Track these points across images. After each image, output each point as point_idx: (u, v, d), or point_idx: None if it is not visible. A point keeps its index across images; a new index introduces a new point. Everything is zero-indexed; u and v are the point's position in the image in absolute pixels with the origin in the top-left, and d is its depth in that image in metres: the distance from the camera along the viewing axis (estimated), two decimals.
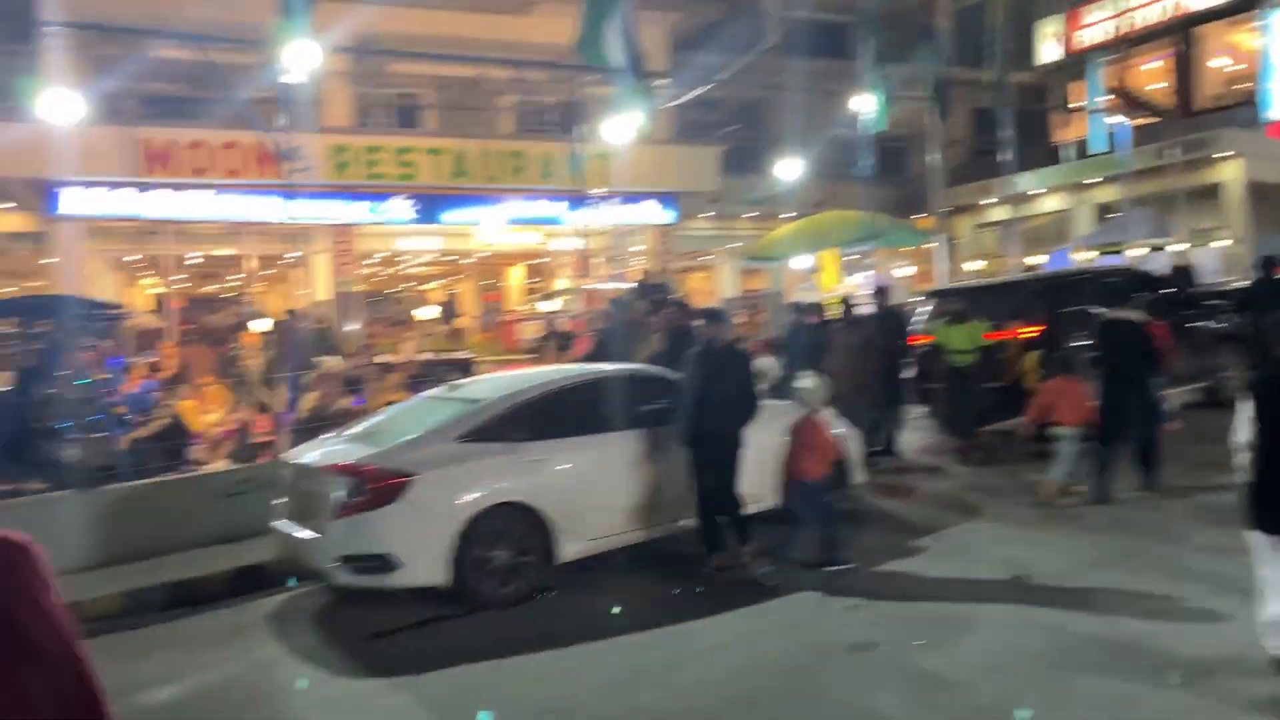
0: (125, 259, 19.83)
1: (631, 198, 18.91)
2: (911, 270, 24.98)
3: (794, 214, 19.84)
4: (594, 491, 7.37)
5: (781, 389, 11.65)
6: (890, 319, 11.94)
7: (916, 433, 12.23)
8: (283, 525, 7.31)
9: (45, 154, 14.29)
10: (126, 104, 17.38)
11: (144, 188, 16.39)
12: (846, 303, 12.29)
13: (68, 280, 16.33)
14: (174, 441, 10.41)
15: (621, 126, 14.42)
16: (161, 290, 21.99)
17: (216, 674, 6.14)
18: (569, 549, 7.19)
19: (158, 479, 9.40)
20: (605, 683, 5.53)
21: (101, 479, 8.84)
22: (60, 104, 12.50)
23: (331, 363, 11.53)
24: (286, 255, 20.00)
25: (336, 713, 5.38)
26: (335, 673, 5.96)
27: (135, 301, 20.47)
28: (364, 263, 20.27)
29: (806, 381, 7.76)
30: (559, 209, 19.12)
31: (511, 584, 6.90)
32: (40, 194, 16.18)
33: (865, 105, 16.92)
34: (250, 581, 7.87)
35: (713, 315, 8.21)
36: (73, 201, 16.20)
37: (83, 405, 9.73)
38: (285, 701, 5.64)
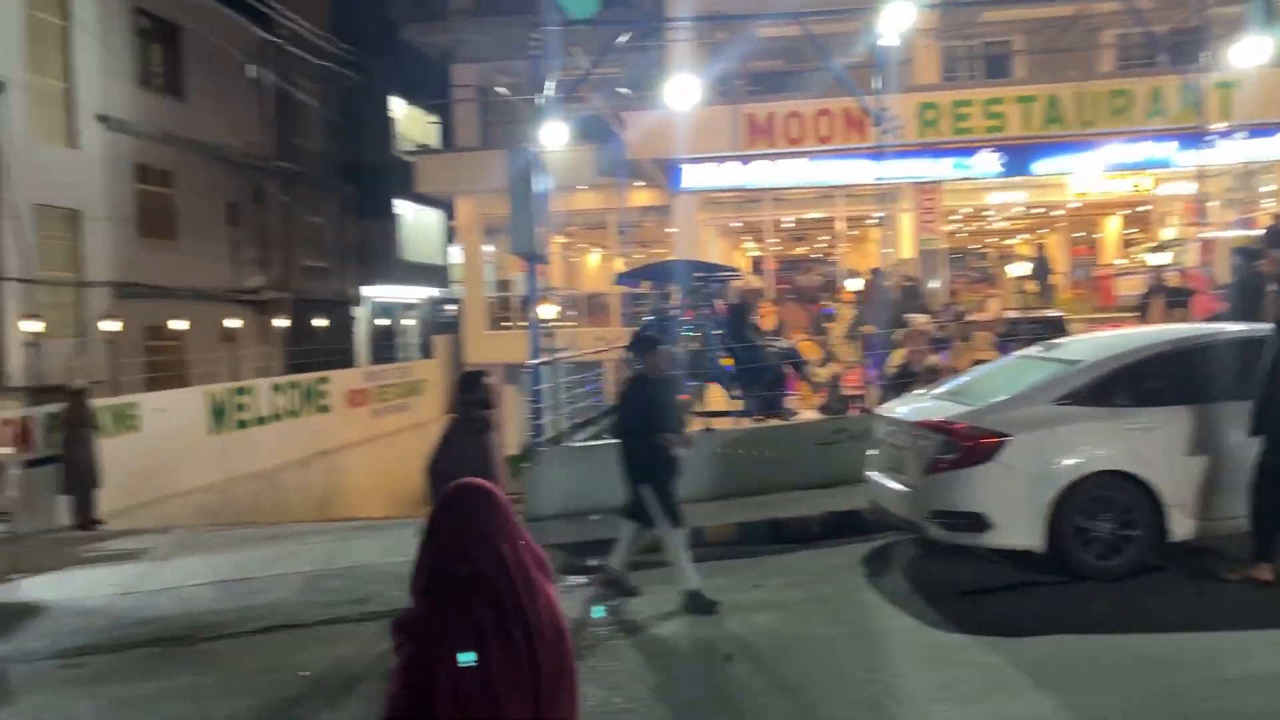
0: (730, 225, 21.97)
1: (1262, 130, 16.30)
2: None
3: None
4: (1213, 466, 6.59)
5: None
6: None
7: None
8: (875, 476, 7.64)
9: (669, 136, 16.34)
10: (733, 84, 19.12)
11: (746, 160, 17.95)
12: None
13: (685, 246, 18.58)
14: (777, 391, 11.39)
15: (1252, 49, 12.46)
16: (758, 253, 24.03)
17: (817, 608, 6.67)
18: (1182, 527, 6.55)
19: (763, 425, 10.38)
20: (1228, 678, 4.99)
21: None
22: (681, 90, 14.13)
23: (919, 320, 11.69)
24: (871, 215, 20.57)
25: (932, 663, 5.53)
26: (928, 623, 6.13)
27: (737, 264, 22.62)
28: (948, 219, 20.11)
29: None
30: (1167, 150, 17.14)
31: (1114, 557, 6.48)
32: (665, 172, 18.53)
33: None
34: (844, 526, 8.39)
35: None
36: (691, 176, 18.31)
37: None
38: (882, 642, 5.93)
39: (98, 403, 13.65)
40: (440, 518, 2.39)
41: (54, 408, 13.08)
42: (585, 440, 11.25)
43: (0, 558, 9.66)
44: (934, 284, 18.05)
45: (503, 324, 23.03)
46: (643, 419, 6.79)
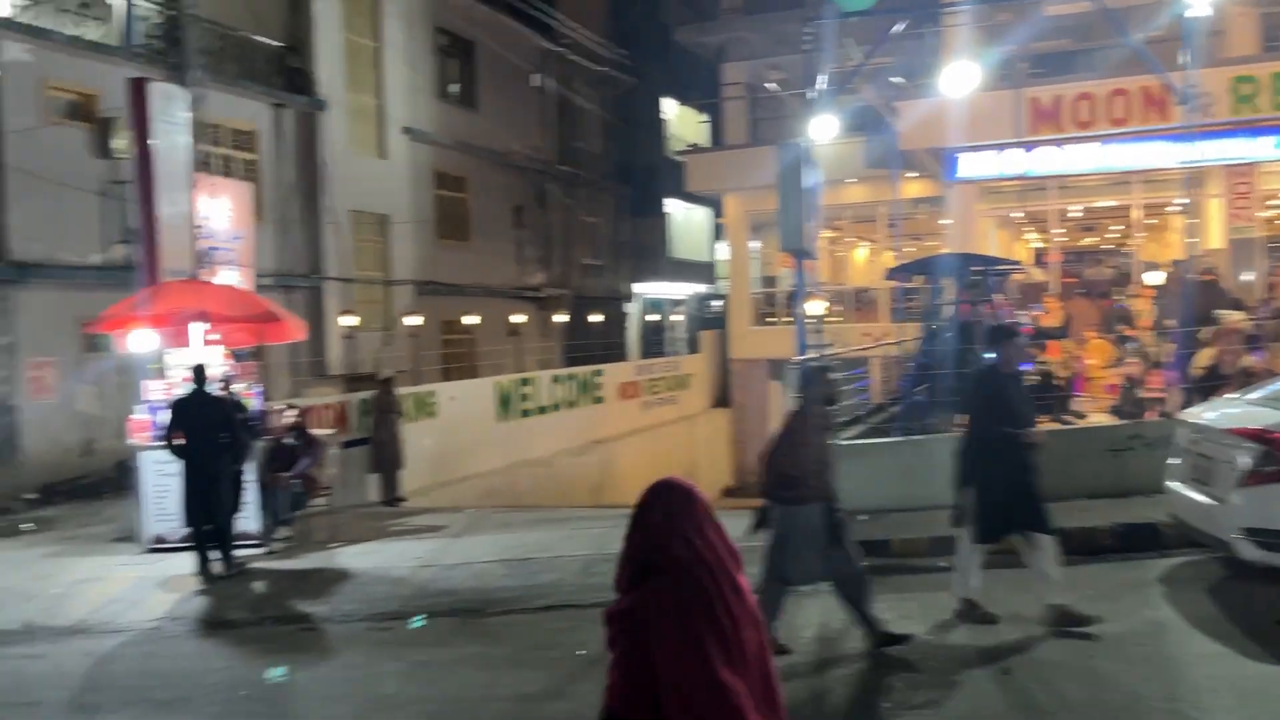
0: (1011, 216, 20.83)
1: None
2: None
3: None
4: None
5: None
6: None
7: None
8: (1176, 487, 7.03)
9: (945, 124, 15.73)
10: (1015, 67, 18.10)
11: (1029, 146, 16.94)
12: None
13: (960, 238, 17.82)
14: (1048, 393, 10.71)
15: None
16: (1041, 245, 22.62)
17: (1107, 626, 6.21)
18: None
19: (1047, 429, 9.76)
20: None
21: None
22: (958, 76, 13.55)
23: (1233, 317, 10.58)
24: (1173, 202, 18.84)
25: (1244, 696, 5.01)
26: (1238, 651, 5.57)
27: (1018, 256, 21.41)
28: (1266, 204, 18.05)
29: None
30: None
31: None
32: (939, 161, 17.85)
33: None
34: (1139, 539, 7.77)
35: None
36: (968, 165, 17.53)
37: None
38: (1183, 669, 5.45)
39: (402, 390, 15.01)
40: (640, 515, 2.48)
41: (365, 394, 14.51)
42: (852, 438, 11.08)
43: (321, 528, 10.86)
44: (1247, 276, 16.27)
45: (768, 319, 23.09)
46: (995, 415, 6.27)
